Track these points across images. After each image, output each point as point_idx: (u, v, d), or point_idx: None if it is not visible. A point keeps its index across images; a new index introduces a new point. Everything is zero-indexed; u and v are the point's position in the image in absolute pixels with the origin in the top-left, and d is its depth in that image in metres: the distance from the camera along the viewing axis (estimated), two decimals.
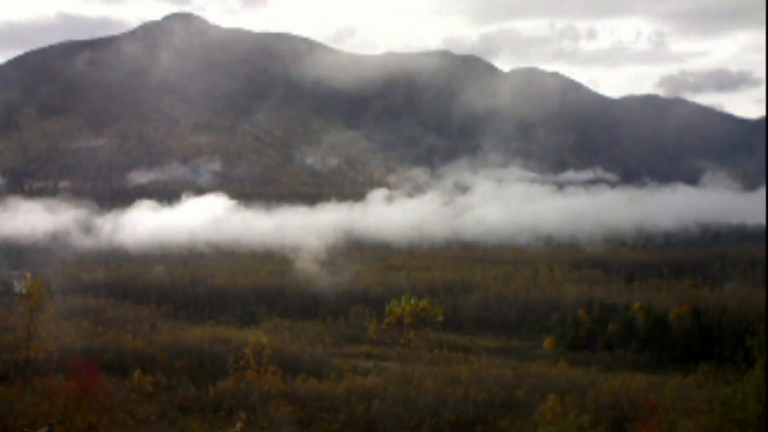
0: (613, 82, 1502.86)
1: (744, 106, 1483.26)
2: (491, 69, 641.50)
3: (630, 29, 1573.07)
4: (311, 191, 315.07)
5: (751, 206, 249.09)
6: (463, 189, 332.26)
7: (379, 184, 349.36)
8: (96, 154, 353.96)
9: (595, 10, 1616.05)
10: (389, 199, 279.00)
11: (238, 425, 21.19)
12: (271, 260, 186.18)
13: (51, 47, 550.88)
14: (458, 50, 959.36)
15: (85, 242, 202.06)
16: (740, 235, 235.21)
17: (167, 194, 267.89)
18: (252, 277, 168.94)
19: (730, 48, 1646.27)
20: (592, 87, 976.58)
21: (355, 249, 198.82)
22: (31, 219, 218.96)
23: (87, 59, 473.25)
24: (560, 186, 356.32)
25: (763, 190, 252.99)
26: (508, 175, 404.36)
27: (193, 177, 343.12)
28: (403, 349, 24.09)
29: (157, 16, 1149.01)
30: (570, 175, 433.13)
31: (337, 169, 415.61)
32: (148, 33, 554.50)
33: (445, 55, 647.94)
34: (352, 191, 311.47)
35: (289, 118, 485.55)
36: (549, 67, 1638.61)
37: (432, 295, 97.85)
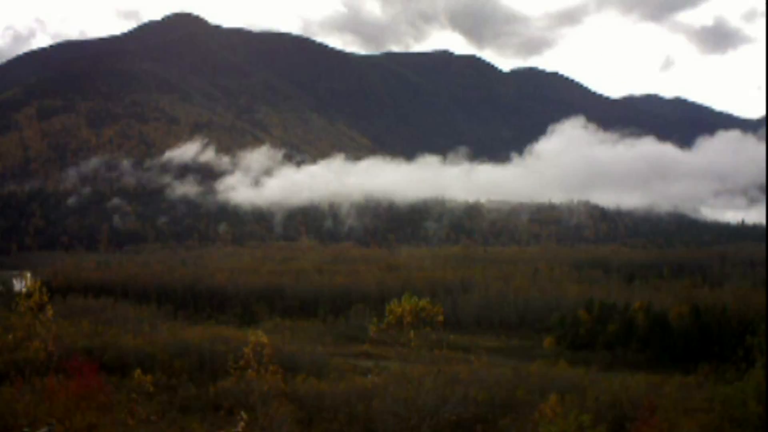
0: None
1: None
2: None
3: None
4: None
5: None
6: None
7: None
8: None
9: None
10: None
11: (240, 425, 21.12)
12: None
13: (51, 47, 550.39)
14: None
15: None
16: (739, 234, 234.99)
17: None
18: (252, 277, 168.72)
19: None
20: None
21: None
22: None
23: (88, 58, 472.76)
24: None
25: None
26: None
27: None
28: (403, 349, 23.99)
29: (157, 16, 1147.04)
30: None
31: None
32: (148, 33, 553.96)
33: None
34: None
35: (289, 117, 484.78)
36: None
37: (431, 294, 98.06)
